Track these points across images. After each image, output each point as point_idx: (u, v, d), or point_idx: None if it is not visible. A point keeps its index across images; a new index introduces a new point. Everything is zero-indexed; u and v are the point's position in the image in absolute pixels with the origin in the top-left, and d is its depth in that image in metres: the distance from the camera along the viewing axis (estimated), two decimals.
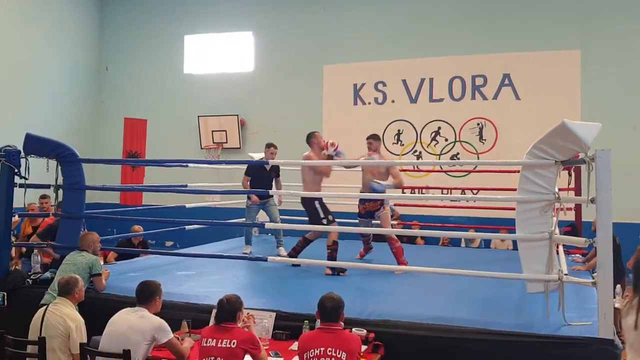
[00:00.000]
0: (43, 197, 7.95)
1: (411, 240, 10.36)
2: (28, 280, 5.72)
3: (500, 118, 11.53)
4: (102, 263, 7.87)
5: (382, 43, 12.28)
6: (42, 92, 12.82)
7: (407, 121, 12.17)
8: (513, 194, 4.80)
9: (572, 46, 11.10)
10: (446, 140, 11.94)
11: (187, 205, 8.18)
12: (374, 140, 7.10)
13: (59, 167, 5.92)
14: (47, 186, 5.99)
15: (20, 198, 6.01)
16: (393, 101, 12.29)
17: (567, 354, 4.06)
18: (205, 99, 13.45)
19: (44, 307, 4.42)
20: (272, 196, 8.00)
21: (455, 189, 10.68)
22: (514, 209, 4.73)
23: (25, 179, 5.84)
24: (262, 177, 7.75)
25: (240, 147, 12.92)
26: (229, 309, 3.90)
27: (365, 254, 7.71)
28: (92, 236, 5.59)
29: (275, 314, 4.62)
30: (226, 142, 13.14)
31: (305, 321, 4.41)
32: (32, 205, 7.67)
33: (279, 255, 7.50)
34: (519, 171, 4.65)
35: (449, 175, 11.56)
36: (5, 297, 3.43)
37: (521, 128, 10.90)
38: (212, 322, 4.43)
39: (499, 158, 10.51)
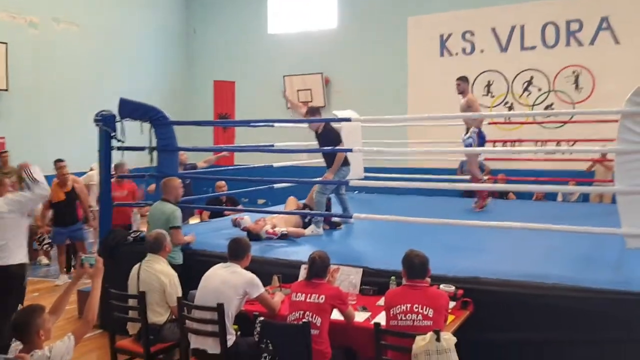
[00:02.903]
0: (59, 160, 7.73)
1: (502, 194, 10.05)
2: (129, 237, 6.07)
3: (598, 65, 10.88)
4: (198, 220, 8.23)
5: None
6: (136, 58, 13.43)
7: (498, 71, 11.73)
8: (612, 145, 4.54)
9: None
10: (539, 90, 11.47)
11: (275, 165, 8.31)
12: (461, 82, 7.40)
13: (152, 130, 6.14)
14: (142, 148, 6.21)
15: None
16: (482, 51, 11.86)
17: None
18: (289, 58, 13.53)
19: (138, 264, 4.65)
20: None
21: (550, 140, 10.19)
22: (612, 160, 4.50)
23: (122, 141, 6.10)
24: None
25: (325, 106, 12.92)
26: (321, 265, 4.01)
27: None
28: (173, 182, 5.52)
29: (362, 269, 4.66)
30: (311, 101, 13.18)
31: (392, 277, 4.41)
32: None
33: None
34: (618, 120, 4.38)
35: (543, 126, 11.06)
36: (98, 260, 3.54)
37: (621, 75, 10.24)
38: (301, 277, 4.54)
39: (597, 107, 9.91)
